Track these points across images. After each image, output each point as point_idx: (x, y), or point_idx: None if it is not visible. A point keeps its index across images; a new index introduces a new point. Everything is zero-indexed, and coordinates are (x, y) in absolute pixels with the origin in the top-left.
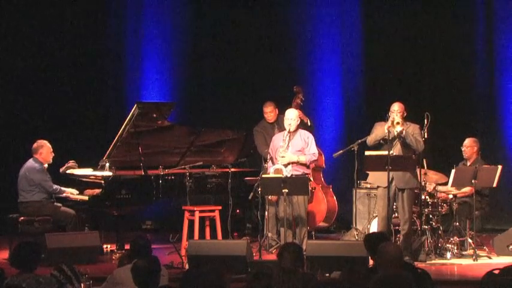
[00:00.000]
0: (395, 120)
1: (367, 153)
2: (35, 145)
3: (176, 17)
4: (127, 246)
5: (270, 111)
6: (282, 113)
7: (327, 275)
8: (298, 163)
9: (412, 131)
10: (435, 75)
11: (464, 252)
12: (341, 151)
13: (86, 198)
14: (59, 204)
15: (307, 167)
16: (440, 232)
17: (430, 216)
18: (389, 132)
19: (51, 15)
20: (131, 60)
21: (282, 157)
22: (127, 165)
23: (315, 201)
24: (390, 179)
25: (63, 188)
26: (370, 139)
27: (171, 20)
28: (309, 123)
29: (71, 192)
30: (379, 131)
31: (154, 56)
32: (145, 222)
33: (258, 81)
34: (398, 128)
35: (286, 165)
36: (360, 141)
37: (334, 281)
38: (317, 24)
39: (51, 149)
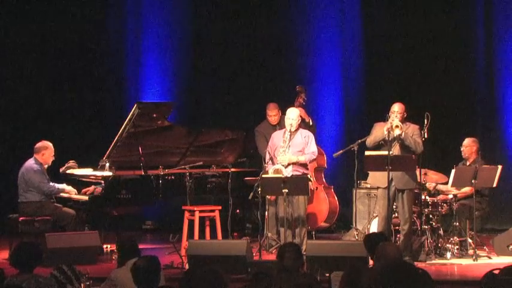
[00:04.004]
0: (394, 124)
1: (367, 153)
2: (39, 144)
3: (176, 17)
4: None
5: (274, 115)
6: (283, 113)
7: (327, 275)
8: (298, 163)
9: (412, 132)
10: (435, 75)
11: (464, 253)
12: (341, 151)
13: (86, 198)
14: (59, 205)
15: (307, 167)
16: (440, 232)
17: (430, 216)
18: (388, 133)
19: (51, 15)
20: (131, 60)
21: (282, 157)
22: (127, 165)
23: (317, 202)
24: (390, 180)
25: (61, 187)
26: (370, 140)
27: (171, 20)
28: (311, 123)
29: (70, 190)
30: (379, 132)
31: (154, 56)
32: (145, 222)
33: (258, 81)
34: (397, 132)
35: (286, 166)
36: (360, 141)
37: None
38: (317, 24)
39: (53, 152)
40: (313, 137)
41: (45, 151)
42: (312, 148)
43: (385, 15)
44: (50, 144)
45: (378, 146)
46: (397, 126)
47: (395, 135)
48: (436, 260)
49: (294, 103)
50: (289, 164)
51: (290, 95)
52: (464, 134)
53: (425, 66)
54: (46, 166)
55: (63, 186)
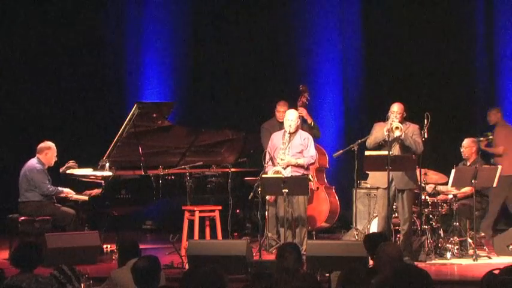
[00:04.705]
0: (394, 125)
1: (367, 153)
2: (42, 145)
3: (177, 17)
4: None
5: (283, 111)
6: None
7: (327, 275)
8: (296, 165)
9: (412, 132)
10: (435, 75)
11: (464, 253)
12: (341, 151)
13: (86, 198)
14: (59, 205)
15: (306, 168)
16: (440, 232)
17: (430, 216)
18: (388, 134)
19: (51, 15)
20: (131, 60)
21: (282, 160)
22: (127, 165)
23: (318, 202)
24: (390, 180)
25: (60, 188)
26: (370, 141)
27: (172, 20)
28: (313, 124)
29: (68, 192)
30: (379, 133)
31: (154, 56)
32: (145, 222)
33: (258, 81)
34: (397, 133)
35: (285, 168)
36: (360, 141)
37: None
38: (317, 24)
39: (56, 153)
40: (313, 140)
41: (48, 151)
42: (311, 152)
43: (385, 15)
44: (53, 145)
45: (378, 146)
46: (397, 128)
47: (395, 136)
48: (436, 260)
49: (297, 102)
50: (287, 166)
51: (290, 95)
52: (464, 134)
53: (425, 65)
54: (47, 167)
55: (62, 189)
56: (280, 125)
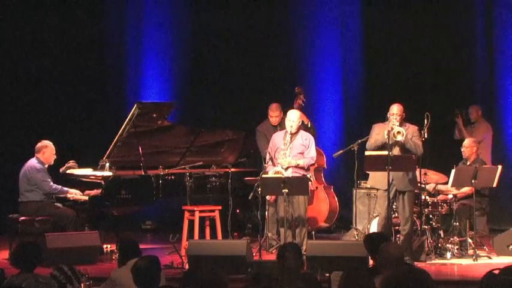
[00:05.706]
0: (395, 130)
1: (367, 153)
2: (39, 144)
3: (176, 17)
4: None
5: (276, 116)
6: (285, 114)
7: (327, 275)
8: (297, 166)
9: (411, 133)
10: (435, 75)
11: (464, 253)
12: (341, 151)
13: (86, 198)
14: (59, 205)
15: (306, 169)
16: (440, 232)
17: (430, 216)
18: (388, 137)
19: (52, 15)
20: (131, 60)
21: (283, 160)
22: (127, 165)
23: (317, 202)
24: (390, 180)
25: (65, 188)
26: (370, 144)
27: (171, 20)
28: (309, 125)
29: (75, 193)
30: (379, 136)
31: (154, 56)
32: (145, 222)
33: (258, 81)
34: (399, 138)
35: (286, 169)
36: (360, 141)
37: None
38: (317, 24)
39: (54, 151)
40: (314, 141)
41: (46, 149)
42: (312, 153)
43: (385, 15)
44: (49, 143)
45: (378, 147)
46: (399, 133)
47: (396, 140)
48: (436, 260)
49: (293, 105)
50: (288, 167)
51: (290, 96)
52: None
53: (425, 66)
54: (47, 166)
55: (67, 189)
56: (275, 128)
